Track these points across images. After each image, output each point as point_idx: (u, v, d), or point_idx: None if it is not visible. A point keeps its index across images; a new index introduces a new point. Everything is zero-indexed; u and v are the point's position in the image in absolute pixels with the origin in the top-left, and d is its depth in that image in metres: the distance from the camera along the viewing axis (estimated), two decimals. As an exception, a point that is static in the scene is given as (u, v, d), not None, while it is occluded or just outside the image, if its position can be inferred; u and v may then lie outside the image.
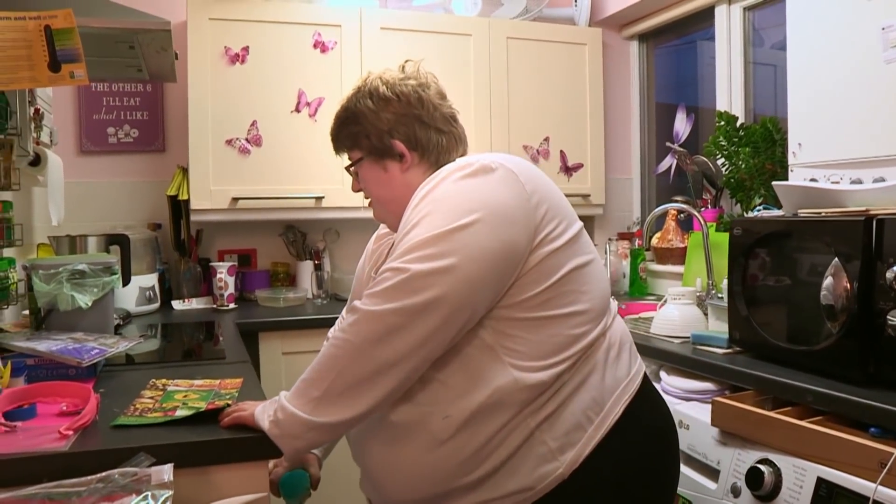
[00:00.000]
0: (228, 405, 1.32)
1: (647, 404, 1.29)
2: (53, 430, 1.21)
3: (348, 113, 1.41)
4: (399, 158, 1.38)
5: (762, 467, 1.51)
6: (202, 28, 2.85)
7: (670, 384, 1.91)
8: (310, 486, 1.48)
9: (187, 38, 2.83)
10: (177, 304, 2.96)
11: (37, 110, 2.45)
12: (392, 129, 1.37)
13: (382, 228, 1.55)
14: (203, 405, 1.37)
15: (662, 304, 2.21)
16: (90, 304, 1.78)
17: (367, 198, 1.46)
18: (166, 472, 1.07)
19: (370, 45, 3.02)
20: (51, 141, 2.70)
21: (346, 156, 1.47)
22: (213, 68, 2.87)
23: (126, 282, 2.48)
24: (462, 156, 1.41)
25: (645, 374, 1.32)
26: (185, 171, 2.96)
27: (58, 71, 1.68)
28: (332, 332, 1.46)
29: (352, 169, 1.45)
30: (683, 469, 1.73)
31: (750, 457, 1.57)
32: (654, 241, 3.11)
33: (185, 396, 1.46)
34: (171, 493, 1.05)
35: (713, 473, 1.67)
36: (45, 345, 1.59)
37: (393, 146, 1.37)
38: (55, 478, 1.06)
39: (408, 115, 1.37)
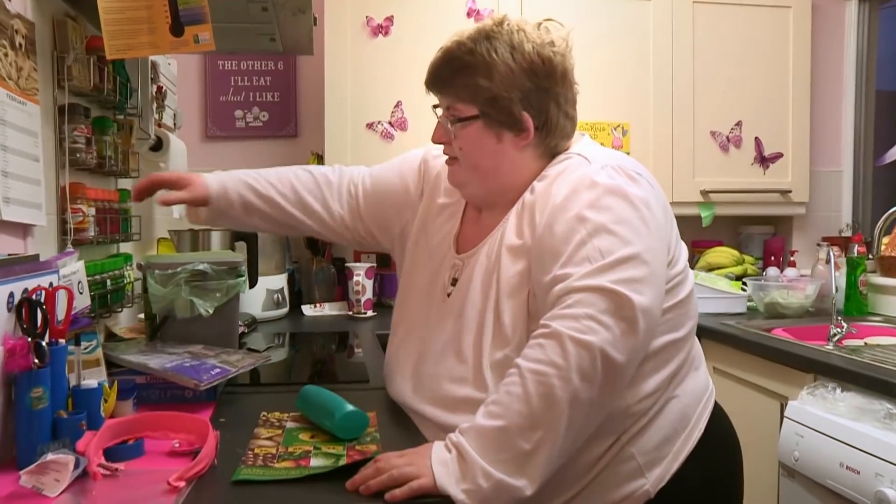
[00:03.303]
0: (378, 453, 1.03)
1: (721, 416, 1.28)
2: (162, 479, 0.98)
3: (476, 59, 1.17)
4: (519, 133, 1.19)
5: None
6: (341, -5, 2.57)
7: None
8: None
9: (324, 8, 2.54)
10: (307, 310, 2.66)
11: (159, 88, 2.22)
12: (525, 99, 1.17)
13: (437, 149, 1.32)
14: (342, 450, 1.08)
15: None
16: (212, 311, 1.57)
17: (448, 153, 1.26)
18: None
19: (532, 12, 2.58)
20: (174, 124, 2.51)
21: (443, 97, 1.24)
22: (352, 42, 2.60)
23: (253, 283, 2.27)
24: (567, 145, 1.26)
25: None
26: (319, 158, 2.74)
27: (181, 35, 1.51)
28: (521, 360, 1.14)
29: (454, 123, 1.21)
30: None
31: None
32: (881, 248, 2.53)
33: (312, 437, 1.15)
34: None
35: None
36: (159, 360, 1.36)
37: (522, 119, 1.18)
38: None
39: (548, 89, 1.18)
